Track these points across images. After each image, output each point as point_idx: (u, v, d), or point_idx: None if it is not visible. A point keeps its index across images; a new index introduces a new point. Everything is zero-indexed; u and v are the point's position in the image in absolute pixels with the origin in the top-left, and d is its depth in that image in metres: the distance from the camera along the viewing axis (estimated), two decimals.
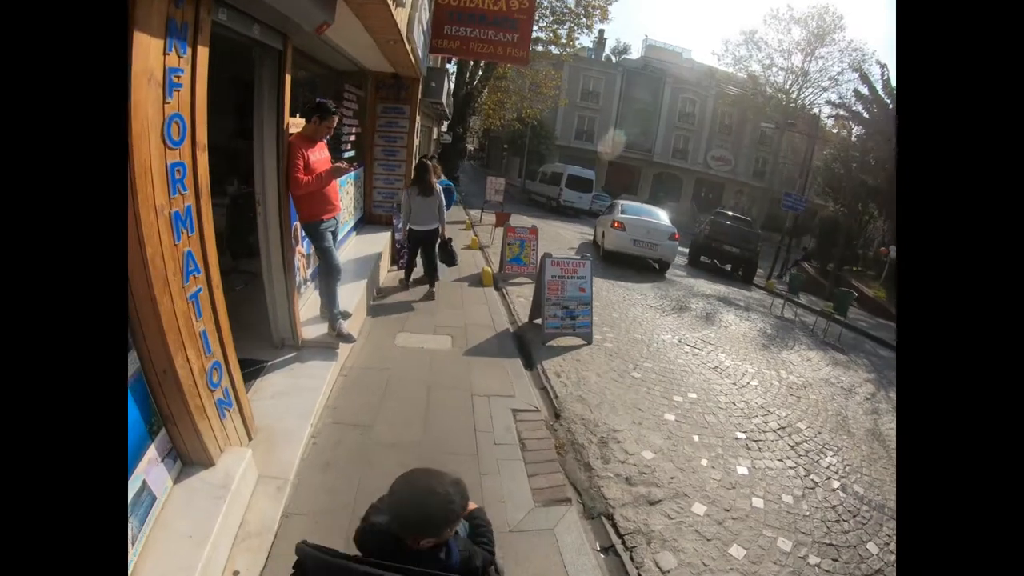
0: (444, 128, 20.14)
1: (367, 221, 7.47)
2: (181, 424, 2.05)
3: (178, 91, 1.78)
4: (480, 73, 19.28)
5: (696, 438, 3.89)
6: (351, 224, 6.56)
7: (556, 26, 18.58)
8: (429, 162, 5.67)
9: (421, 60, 6.46)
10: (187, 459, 2.17)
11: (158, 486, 1.97)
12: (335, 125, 3.42)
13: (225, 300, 2.33)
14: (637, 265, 10.65)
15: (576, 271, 5.39)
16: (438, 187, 5.59)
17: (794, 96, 29.83)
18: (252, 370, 3.43)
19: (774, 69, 30.09)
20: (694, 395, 4.65)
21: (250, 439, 2.64)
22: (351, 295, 4.64)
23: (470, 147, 37.46)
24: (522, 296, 6.78)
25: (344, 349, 3.91)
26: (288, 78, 3.04)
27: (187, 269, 1.95)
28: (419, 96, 7.41)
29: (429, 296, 5.90)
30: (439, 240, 5.70)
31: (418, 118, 7.85)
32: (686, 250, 14.64)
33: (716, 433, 4.03)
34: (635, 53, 37.58)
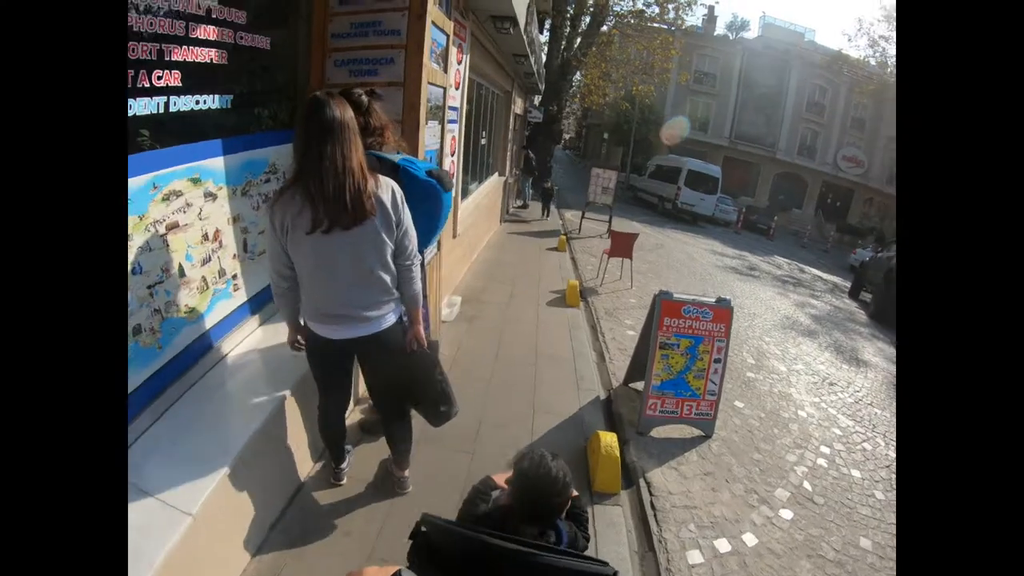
0: (536, 103, 15.72)
1: None
2: None
3: None
4: (579, 39, 15.13)
5: None
6: (229, 308, 2.28)
7: None
8: (365, 97, 1.90)
9: None
10: None
11: None
12: None
13: None
14: None
15: None
16: (392, 188, 1.71)
17: None
18: None
19: None
20: None
21: None
22: None
23: (566, 134, 32.57)
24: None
25: None
26: None
27: None
28: None
29: (398, 483, 2.28)
30: (402, 357, 1.96)
31: (447, 33, 3.54)
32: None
33: None
34: (751, 33, 31.26)
